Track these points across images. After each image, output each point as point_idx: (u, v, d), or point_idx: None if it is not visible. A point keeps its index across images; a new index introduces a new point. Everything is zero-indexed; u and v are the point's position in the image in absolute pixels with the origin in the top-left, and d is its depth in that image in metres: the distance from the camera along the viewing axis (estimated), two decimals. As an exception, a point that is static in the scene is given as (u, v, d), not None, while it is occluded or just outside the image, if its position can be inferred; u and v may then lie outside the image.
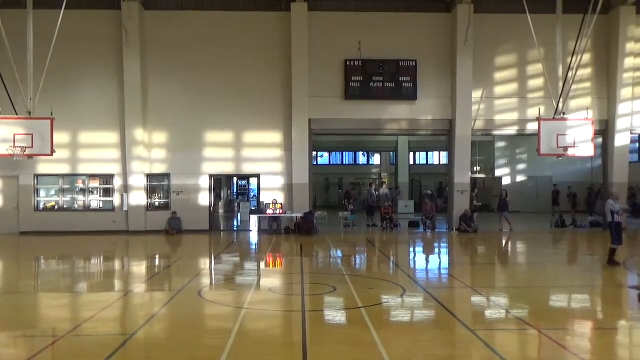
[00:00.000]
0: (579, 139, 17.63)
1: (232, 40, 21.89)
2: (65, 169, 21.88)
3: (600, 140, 22.94)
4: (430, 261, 16.35)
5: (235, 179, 34.10)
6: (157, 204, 22.35)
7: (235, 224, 26.93)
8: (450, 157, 22.87)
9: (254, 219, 22.52)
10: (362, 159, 42.15)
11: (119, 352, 6.95)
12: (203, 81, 21.80)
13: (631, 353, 7.25)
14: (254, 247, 19.28)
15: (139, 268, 14.82)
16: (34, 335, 8.01)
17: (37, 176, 21.89)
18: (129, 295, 10.74)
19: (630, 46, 22.09)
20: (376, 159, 41.70)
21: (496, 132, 23.91)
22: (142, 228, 21.71)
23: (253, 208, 24.60)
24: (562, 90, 18.02)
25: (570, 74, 17.92)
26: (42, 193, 22.37)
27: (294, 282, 12.00)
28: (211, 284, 12.45)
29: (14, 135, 16.30)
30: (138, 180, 21.69)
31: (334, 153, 41.13)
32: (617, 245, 13.21)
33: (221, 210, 31.04)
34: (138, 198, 21.75)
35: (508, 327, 8.36)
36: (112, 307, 9.56)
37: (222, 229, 24.88)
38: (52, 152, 16.95)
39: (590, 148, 18.06)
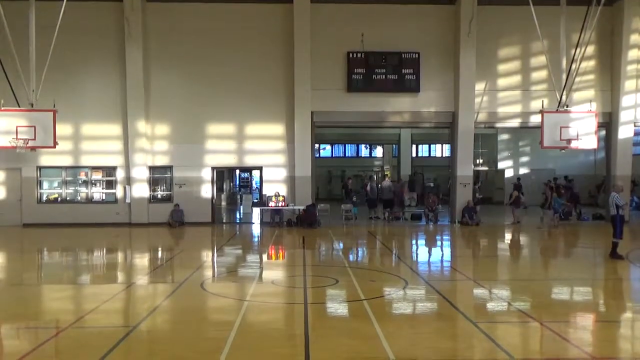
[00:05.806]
0: (582, 131, 17.56)
1: (234, 32, 21.81)
2: (67, 161, 21.90)
3: (603, 132, 22.89)
4: (432, 253, 16.37)
5: (237, 171, 34.05)
6: (159, 196, 22.37)
7: (238, 216, 26.95)
8: (453, 150, 22.82)
9: (256, 212, 22.52)
10: (364, 151, 42.10)
11: (122, 344, 6.98)
12: (205, 73, 21.75)
13: (633, 345, 7.24)
14: (256, 239, 19.30)
15: (142, 260, 14.87)
16: (37, 327, 8.05)
17: (40, 168, 21.93)
18: (131, 287, 10.77)
19: (635, 38, 21.99)
20: (378, 152, 41.64)
21: (499, 125, 23.84)
22: (145, 220, 21.75)
23: (255, 200, 24.56)
24: (566, 83, 17.93)
25: (573, 66, 17.85)
26: (45, 185, 22.42)
27: (296, 274, 12.01)
28: (214, 276, 12.47)
29: (17, 127, 16.25)
30: (140, 173, 21.72)
31: (336, 145, 41.07)
32: (619, 239, 13.20)
33: (223, 203, 31.03)
34: (140, 190, 21.78)
35: (510, 319, 8.36)
36: (115, 299, 9.58)
37: (224, 221, 24.90)
38: (55, 144, 16.91)
39: (594, 140, 18.01)
